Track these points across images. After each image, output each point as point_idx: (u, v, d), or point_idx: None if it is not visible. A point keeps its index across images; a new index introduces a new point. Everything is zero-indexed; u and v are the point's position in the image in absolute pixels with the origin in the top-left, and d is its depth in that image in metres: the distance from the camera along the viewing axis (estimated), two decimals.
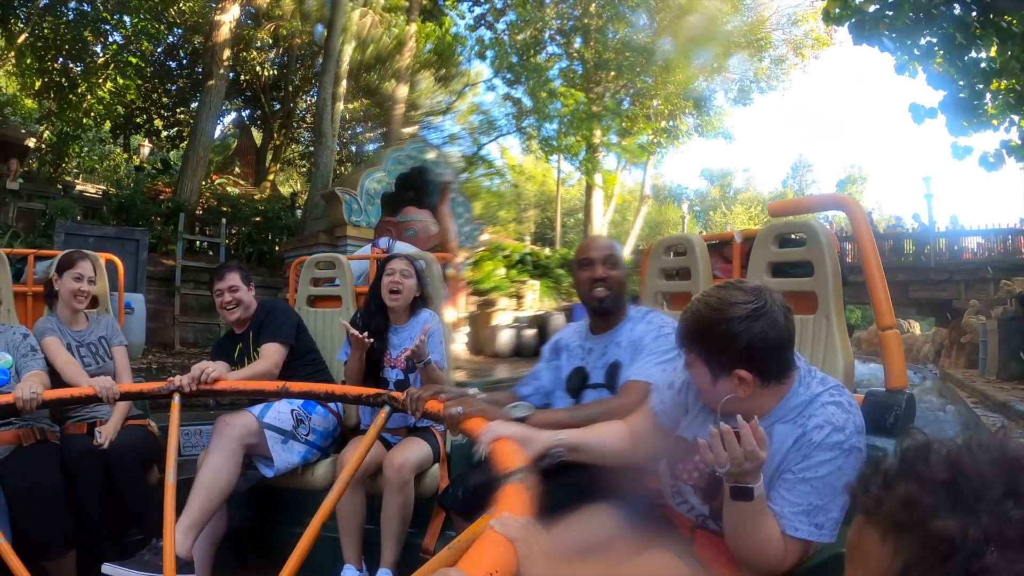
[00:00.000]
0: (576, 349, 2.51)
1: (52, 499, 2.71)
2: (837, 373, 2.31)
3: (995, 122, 10.22)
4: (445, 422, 1.91)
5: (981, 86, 9.72)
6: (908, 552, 0.65)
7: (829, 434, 1.56)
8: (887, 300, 2.42)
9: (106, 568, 2.39)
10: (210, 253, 14.66)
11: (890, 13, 9.29)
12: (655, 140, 23.30)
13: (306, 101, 24.31)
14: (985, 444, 0.69)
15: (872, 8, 9.62)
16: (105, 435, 3.01)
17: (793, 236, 2.69)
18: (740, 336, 1.55)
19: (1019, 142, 10.39)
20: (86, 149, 24.82)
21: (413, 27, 19.54)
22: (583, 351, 2.48)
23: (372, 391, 2.36)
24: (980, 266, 20.91)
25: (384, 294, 3.23)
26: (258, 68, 22.08)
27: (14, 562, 1.60)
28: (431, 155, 13.48)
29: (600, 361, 2.41)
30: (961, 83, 9.67)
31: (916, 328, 27.16)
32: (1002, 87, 9.86)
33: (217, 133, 21.84)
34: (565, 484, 2.13)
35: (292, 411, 3.12)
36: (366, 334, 3.00)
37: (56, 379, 3.05)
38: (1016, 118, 10.26)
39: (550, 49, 23.03)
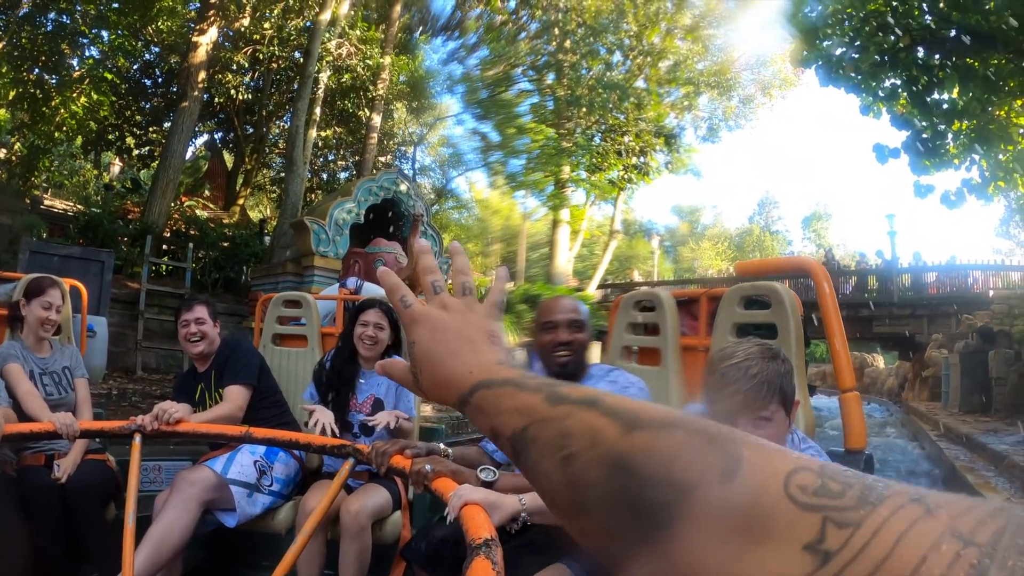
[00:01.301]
0: None
1: (8, 534, 2.68)
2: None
3: (956, 161, 10.54)
4: (412, 479, 1.91)
5: (943, 126, 10.01)
6: None
7: None
8: (849, 364, 2.48)
9: None
10: (176, 277, 14.47)
11: (855, 56, 9.57)
12: (625, 176, 23.52)
13: (279, 126, 24.21)
14: None
15: (839, 51, 9.89)
16: (64, 469, 2.98)
17: (758, 298, 2.75)
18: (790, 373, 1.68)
19: (979, 180, 10.71)
20: (56, 163, 24.44)
21: (388, 59, 19.63)
22: None
23: (336, 442, 2.36)
24: (943, 301, 21.38)
25: (358, 344, 3.22)
26: (233, 91, 21.94)
27: None
28: (403, 187, 13.47)
29: None
30: (923, 124, 9.96)
31: (880, 362, 27.53)
32: (963, 127, 10.17)
33: (189, 154, 21.65)
34: (523, 543, 2.14)
35: (255, 462, 3.10)
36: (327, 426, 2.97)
37: (16, 406, 3.01)
38: (977, 157, 10.58)
39: (521, 85, 23.25)
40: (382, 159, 22.06)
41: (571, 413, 0.50)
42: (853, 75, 9.72)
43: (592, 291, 22.58)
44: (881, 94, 9.98)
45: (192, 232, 16.50)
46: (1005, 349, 13.32)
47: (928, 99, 9.77)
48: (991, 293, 20.09)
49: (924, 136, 9.99)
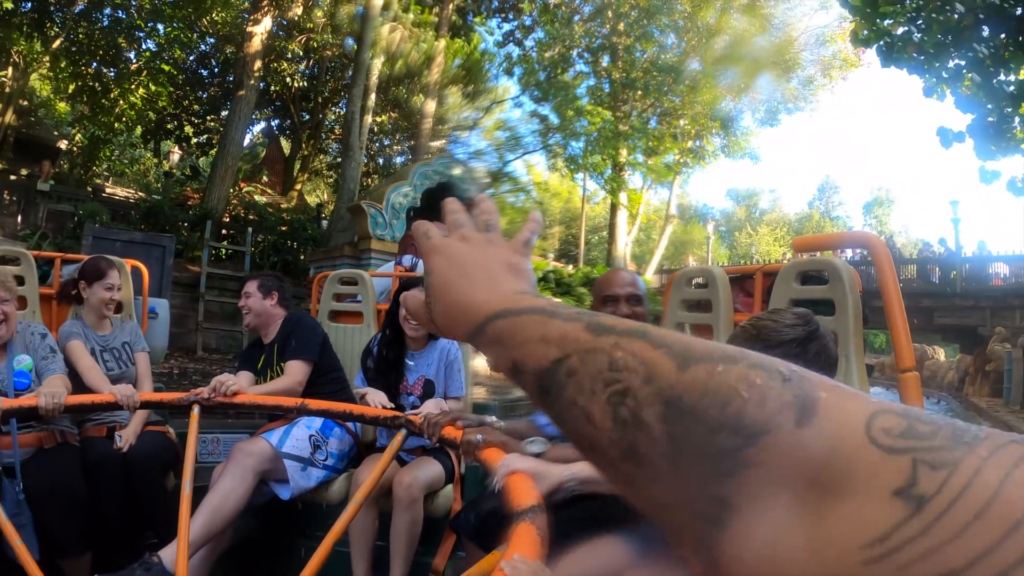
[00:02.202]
0: None
1: (73, 500, 2.78)
2: None
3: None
4: (462, 448, 1.91)
5: (1010, 109, 9.62)
6: None
7: None
8: (908, 343, 2.40)
9: None
10: (235, 261, 14.79)
11: (918, 34, 9.24)
12: (681, 160, 23.23)
13: (335, 112, 24.52)
14: None
15: (900, 30, 9.56)
16: (125, 439, 3.07)
17: (815, 274, 2.67)
18: (796, 359, 1.56)
19: None
20: (116, 153, 25.22)
21: (442, 43, 19.67)
22: None
23: (390, 413, 2.38)
24: (1007, 293, 20.61)
25: (404, 325, 3.24)
26: (288, 79, 22.32)
27: (29, 564, 1.63)
28: (458, 170, 13.53)
29: None
30: (990, 106, 9.57)
31: (941, 355, 26.75)
32: None
33: (246, 142, 22.09)
34: (574, 515, 2.14)
35: (310, 436, 3.15)
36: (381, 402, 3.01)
37: (78, 382, 3.11)
38: None
39: (578, 67, 23.07)
40: (436, 144, 22.12)
41: (619, 343, 0.44)
42: (915, 55, 9.38)
43: (649, 276, 22.44)
44: (945, 75, 9.61)
45: (251, 217, 16.83)
46: None
47: (994, 80, 9.39)
48: None
49: (990, 119, 9.61)
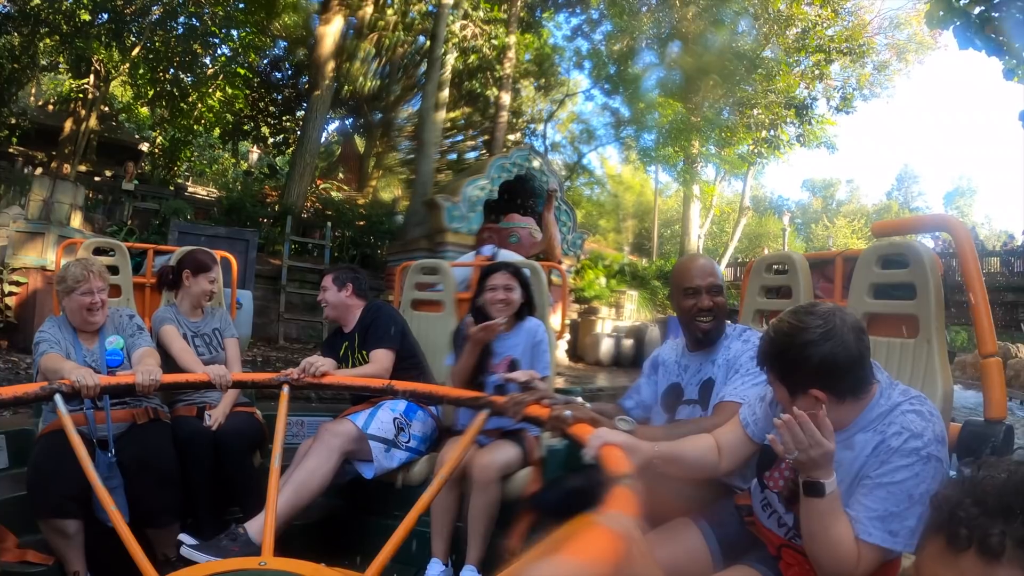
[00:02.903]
0: (672, 365, 2.54)
1: (165, 473, 2.93)
2: (936, 399, 2.25)
3: None
4: (550, 424, 1.92)
5: None
6: None
7: (907, 440, 1.59)
8: (990, 327, 2.34)
9: (184, 551, 2.50)
10: (315, 254, 15.16)
11: (996, 14, 8.85)
12: (755, 150, 22.79)
13: (407, 110, 24.83)
14: None
15: (977, 9, 9.18)
16: (215, 418, 3.23)
17: (896, 258, 2.63)
18: (811, 359, 1.62)
19: None
20: (196, 154, 26.14)
21: (513, 38, 19.74)
22: (679, 367, 2.51)
23: (473, 394, 2.43)
24: None
25: (489, 311, 3.27)
26: (361, 79, 22.69)
27: (123, 529, 1.72)
28: (536, 163, 13.60)
29: (695, 378, 2.43)
30: None
31: None
32: None
33: (322, 140, 22.58)
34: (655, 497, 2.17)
35: (394, 419, 3.26)
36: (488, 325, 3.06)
37: (170, 364, 3.28)
38: None
39: (647, 58, 22.85)
40: (511, 137, 22.20)
41: None
42: (994, 35, 8.98)
43: (723, 269, 22.11)
44: None
45: (328, 212, 17.22)
46: None
47: None
48: None
49: None
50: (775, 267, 3.11)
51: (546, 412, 1.95)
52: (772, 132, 22.75)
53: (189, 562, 2.30)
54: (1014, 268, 22.18)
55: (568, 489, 2.17)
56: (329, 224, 15.16)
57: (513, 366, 3.20)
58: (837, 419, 1.63)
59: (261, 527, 2.60)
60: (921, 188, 56.74)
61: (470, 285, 4.29)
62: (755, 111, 22.00)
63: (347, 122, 27.00)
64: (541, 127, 25.84)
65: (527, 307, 3.39)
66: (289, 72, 23.91)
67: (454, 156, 24.70)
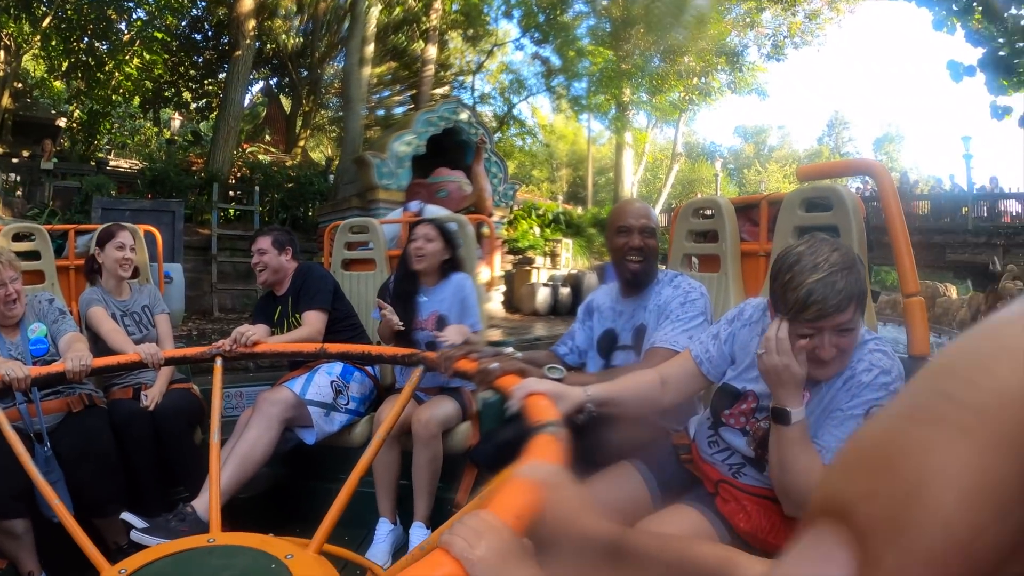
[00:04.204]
0: (607, 311, 2.57)
1: (105, 460, 2.84)
2: None
3: None
4: (478, 378, 1.93)
5: (1022, 44, 9.43)
6: None
7: (877, 376, 1.63)
8: (912, 267, 2.41)
9: (134, 536, 2.46)
10: (245, 221, 14.84)
11: None
12: (687, 97, 22.94)
13: (333, 67, 24.24)
14: None
15: None
16: (151, 397, 3.15)
17: (819, 201, 2.69)
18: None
19: None
20: (116, 125, 25.12)
21: None
22: (614, 313, 2.54)
23: (407, 351, 2.43)
24: (1019, 230, 20.47)
25: (411, 260, 3.30)
26: (284, 36, 22.05)
27: (70, 523, 1.69)
28: (463, 115, 13.46)
29: (629, 323, 2.46)
30: (1001, 41, 9.38)
31: (952, 292, 26.60)
32: None
33: (246, 102, 21.93)
34: (590, 445, 2.21)
35: (331, 382, 3.24)
36: (399, 324, 3.10)
37: (102, 347, 3.18)
38: None
39: (577, 7, 22.67)
40: (440, 91, 21.89)
41: None
42: None
43: (657, 214, 22.31)
44: (955, 7, 9.41)
45: (256, 177, 16.81)
46: None
47: (1005, 14, 9.18)
48: None
49: (1001, 54, 9.42)
50: (702, 212, 3.15)
51: (473, 366, 1.96)
52: (703, 79, 22.90)
53: (140, 547, 2.28)
54: (941, 211, 22.98)
55: (501, 441, 2.19)
56: (257, 188, 14.83)
57: (441, 321, 3.22)
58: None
59: (208, 504, 2.57)
60: (851, 134, 57.83)
61: (400, 242, 4.26)
62: (686, 59, 22.09)
63: (272, 82, 26.25)
64: (470, 79, 25.53)
65: (453, 262, 3.39)
66: (209, 33, 23.02)
67: (383, 112, 24.29)
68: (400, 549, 3.03)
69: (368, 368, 3.45)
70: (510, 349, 2.13)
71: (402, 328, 3.13)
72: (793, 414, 1.56)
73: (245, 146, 21.33)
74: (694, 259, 3.16)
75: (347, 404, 3.27)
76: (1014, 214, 22.07)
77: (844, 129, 57.09)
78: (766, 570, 0.98)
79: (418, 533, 2.96)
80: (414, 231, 3.35)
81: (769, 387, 1.63)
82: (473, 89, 25.50)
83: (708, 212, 3.09)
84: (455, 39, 23.87)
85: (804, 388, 1.63)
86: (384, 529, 3.05)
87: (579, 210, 19.97)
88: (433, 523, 2.94)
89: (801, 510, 1.59)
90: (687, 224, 3.10)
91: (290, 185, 16.53)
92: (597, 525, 1.00)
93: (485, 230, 8.23)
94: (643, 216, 2.44)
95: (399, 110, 23.56)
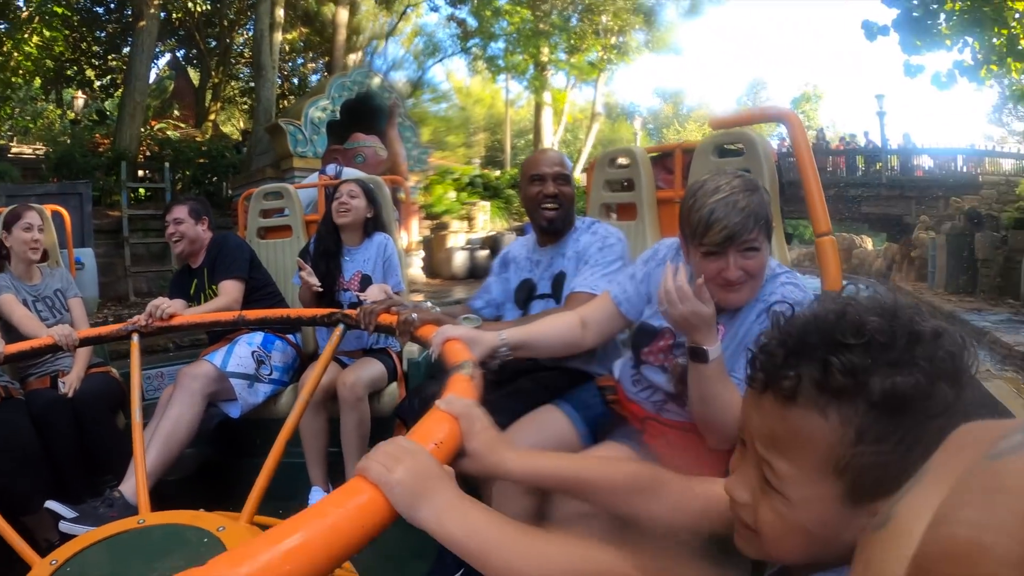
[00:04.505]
0: (524, 261, 2.57)
1: (26, 453, 2.74)
2: None
3: (948, 42, 10.32)
4: (398, 329, 1.92)
5: (935, 6, 9.72)
6: (859, 418, 0.65)
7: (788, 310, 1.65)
8: (823, 208, 2.49)
9: (63, 527, 2.39)
10: (156, 200, 14.33)
11: None
12: (605, 56, 22.97)
13: (243, 35, 23.47)
14: (863, 302, 0.72)
15: None
16: (69, 384, 3.03)
17: (732, 147, 2.74)
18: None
19: (971, 63, 10.49)
20: (17, 109, 23.86)
21: None
22: (530, 263, 2.54)
23: (325, 311, 2.39)
24: (930, 183, 21.61)
25: (335, 216, 3.25)
26: (190, 4, 21.21)
27: None
28: (376, 80, 13.29)
29: (547, 272, 2.46)
30: (915, 1, 9.65)
31: (868, 244, 27.58)
32: (956, 7, 9.89)
33: (152, 77, 21.06)
34: (512, 391, 2.22)
35: (253, 353, 3.16)
36: (317, 284, 3.04)
37: (15, 336, 3.02)
38: (969, 39, 10.35)
39: None
40: (353, 57, 21.43)
41: None
42: None
43: (578, 175, 22.48)
44: None
45: (166, 153, 16.21)
46: (992, 232, 13.49)
47: None
48: (981, 179, 20.36)
49: (915, 14, 9.70)
50: (618, 161, 3.18)
51: (395, 319, 1.94)
52: (621, 38, 22.95)
53: (71, 538, 2.21)
54: (857, 166, 24.06)
55: (427, 395, 2.18)
56: (167, 165, 14.31)
57: (365, 281, 3.18)
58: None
59: (136, 487, 2.50)
60: (769, 94, 58.88)
61: (316, 207, 4.18)
62: (603, 18, 22.10)
63: (179, 54, 25.26)
64: (383, 44, 25.08)
65: (376, 221, 3.36)
66: (112, 5, 21.94)
67: (297, 81, 23.69)
68: None
69: (290, 336, 3.38)
70: (429, 304, 2.12)
71: (320, 289, 3.08)
72: (710, 352, 1.57)
73: (153, 123, 20.52)
74: (613, 213, 3.19)
75: (270, 374, 3.21)
76: (926, 169, 23.41)
77: (763, 89, 58.16)
78: (691, 484, 1.01)
79: None
80: (338, 189, 3.30)
81: (683, 333, 1.64)
82: (386, 54, 25.10)
83: (624, 162, 3.12)
84: (367, 2, 23.32)
85: (718, 322, 1.64)
86: (317, 497, 3.01)
87: (496, 173, 19.88)
88: None
89: (724, 443, 1.63)
90: (604, 174, 3.13)
91: (201, 160, 16.00)
92: (514, 454, 1.01)
93: (401, 194, 8.17)
94: (556, 164, 2.45)
95: (314, 78, 23.02)
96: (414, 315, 1.88)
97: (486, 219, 16.58)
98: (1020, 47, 10.44)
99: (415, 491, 0.80)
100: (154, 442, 2.73)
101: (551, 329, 1.92)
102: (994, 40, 10.30)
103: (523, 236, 2.74)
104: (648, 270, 1.96)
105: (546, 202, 2.40)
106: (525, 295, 2.50)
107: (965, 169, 23.05)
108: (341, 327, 2.18)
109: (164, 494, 2.53)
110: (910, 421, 0.64)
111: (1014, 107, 27.85)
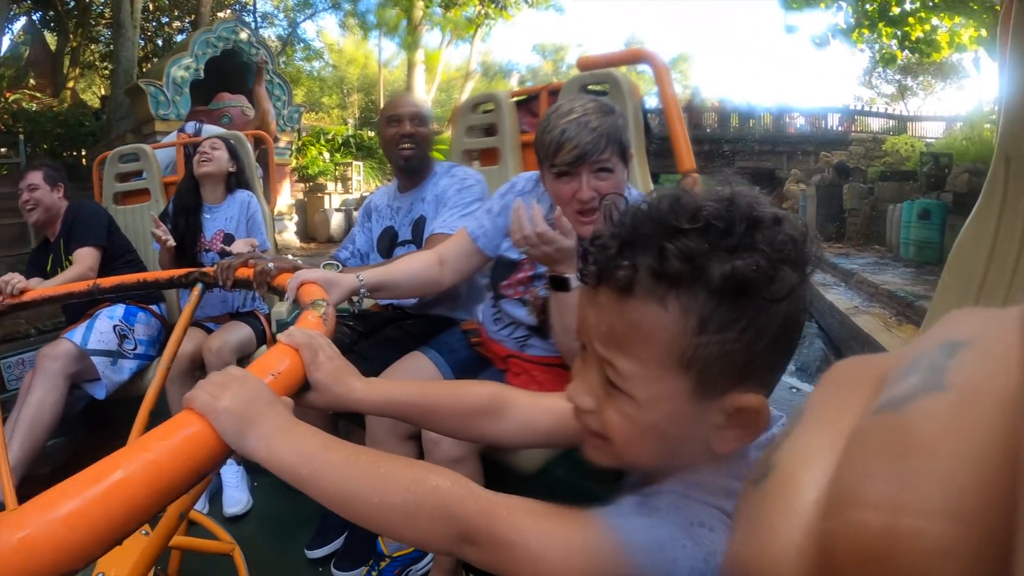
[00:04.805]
0: (385, 209, 2.54)
1: None
2: None
3: (823, 4, 10.76)
4: (255, 281, 1.85)
5: None
6: (700, 306, 0.62)
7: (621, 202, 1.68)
8: (687, 146, 2.54)
9: None
10: (11, 179, 13.32)
11: None
12: (482, 11, 22.72)
13: None
14: (699, 191, 0.69)
15: None
16: None
17: (597, 86, 2.76)
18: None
19: (845, 26, 10.96)
20: None
21: None
22: (391, 210, 2.51)
23: (182, 271, 2.28)
24: (801, 139, 23.09)
25: (196, 167, 3.12)
26: None
27: None
28: (243, 35, 12.69)
29: (407, 218, 2.44)
30: None
31: None
32: None
33: (6, 45, 19.50)
34: (381, 339, 2.20)
35: (115, 327, 2.99)
36: (170, 240, 2.89)
37: None
38: (844, 3, 10.82)
39: None
40: (221, 15, 20.44)
41: None
42: None
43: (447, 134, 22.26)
44: None
45: (21, 127, 15.12)
46: (860, 184, 14.50)
47: None
48: (851, 136, 21.92)
49: None
50: (481, 108, 3.16)
51: (251, 271, 1.88)
52: None
53: None
54: (731, 123, 25.15)
55: None
56: (22, 138, 13.34)
57: (228, 240, 3.07)
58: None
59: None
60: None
61: (176, 167, 3.98)
62: None
63: (35, 17, 23.46)
64: (251, 1, 24.04)
65: (238, 177, 3.24)
66: None
67: (161, 43, 22.43)
68: (217, 493, 2.88)
69: (153, 307, 3.23)
70: (289, 256, 2.06)
71: (174, 244, 2.92)
72: (571, 280, 1.55)
73: (8, 95, 19.09)
74: (475, 160, 3.17)
75: (134, 349, 3.05)
76: (798, 126, 25.01)
77: (640, 47, 58.94)
78: (540, 401, 1.01)
79: (229, 469, 2.86)
80: (199, 148, 3.17)
81: (546, 267, 1.63)
82: (255, 11, 24.06)
83: (488, 107, 3.11)
84: None
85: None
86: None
87: (370, 133, 19.49)
88: (241, 457, 2.83)
89: None
90: (466, 120, 3.10)
91: (60, 131, 15.01)
92: (361, 383, 0.98)
93: (279, 157, 7.83)
94: (413, 104, 2.42)
95: (180, 38, 21.85)
96: (270, 264, 1.81)
97: (360, 180, 16.29)
98: (891, 13, 10.99)
99: (243, 417, 0.74)
100: (16, 432, 2.57)
101: (409, 268, 1.89)
102: (867, 5, 10.80)
103: (386, 185, 2.70)
104: (505, 203, 1.95)
105: (403, 142, 2.37)
106: (388, 243, 2.47)
107: (839, 128, 24.51)
108: (200, 287, 2.09)
109: (35, 489, 2.40)
110: (753, 307, 0.62)
111: (883, 70, 29.38)
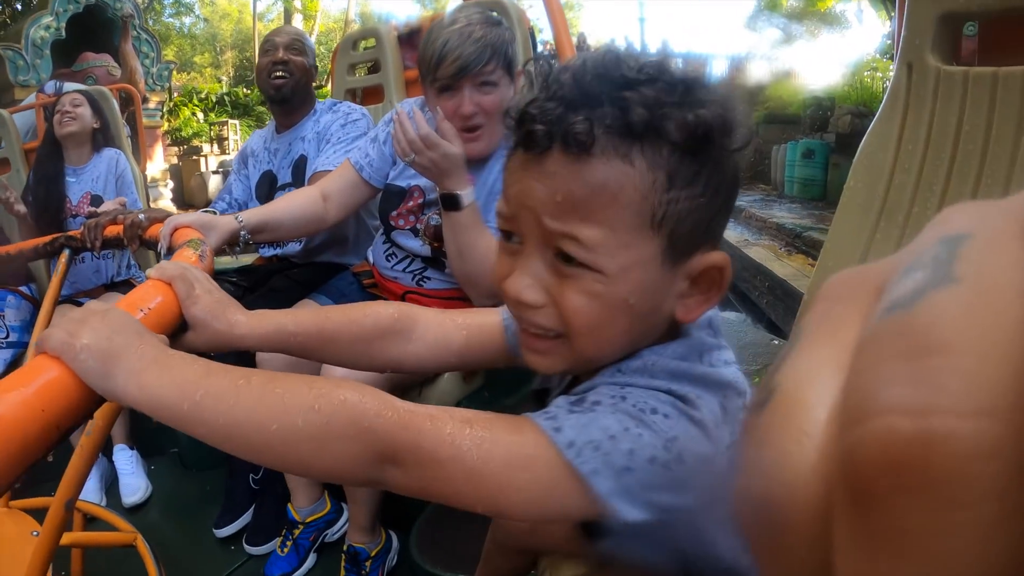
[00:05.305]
0: (262, 152, 2.38)
1: None
2: None
3: None
4: (125, 237, 1.68)
5: None
6: (666, 159, 0.59)
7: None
8: (570, 46, 2.52)
9: None
10: None
11: None
12: None
13: None
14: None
15: None
16: None
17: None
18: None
19: None
20: None
21: None
22: (269, 153, 2.36)
23: (45, 239, 2.07)
24: None
25: (56, 129, 2.84)
26: None
27: None
28: None
29: (286, 160, 2.30)
30: None
31: None
32: None
33: None
34: (266, 291, 2.09)
35: None
36: (18, 204, 2.71)
37: None
38: None
39: None
40: None
41: None
42: None
43: (330, 88, 21.75)
44: None
45: None
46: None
47: None
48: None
49: None
50: (362, 44, 3.02)
51: (120, 227, 1.72)
52: None
53: None
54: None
55: None
56: None
57: (96, 202, 2.83)
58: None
59: None
60: (531, 0, 59.59)
61: (37, 132, 3.65)
62: None
63: None
64: None
65: (104, 133, 2.98)
66: None
67: (20, 7, 20.80)
68: (113, 483, 2.62)
69: (23, 288, 2.95)
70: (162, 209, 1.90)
71: (23, 212, 2.70)
72: (463, 197, 1.49)
73: None
74: (358, 99, 3.04)
75: (7, 336, 2.78)
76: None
77: None
78: (448, 317, 0.91)
79: (122, 456, 2.62)
80: (59, 101, 2.88)
81: (434, 182, 1.56)
82: None
83: (369, 43, 2.98)
84: None
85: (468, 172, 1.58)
86: (123, 455, 2.66)
87: (246, 90, 18.70)
88: (134, 441, 2.63)
89: (489, 298, 1.57)
90: (348, 58, 2.96)
91: None
92: (246, 317, 0.86)
93: (148, 119, 7.31)
94: (288, 34, 2.30)
95: None
96: (141, 216, 1.66)
97: (236, 139, 15.65)
98: None
99: (108, 352, 0.60)
100: None
101: (290, 206, 1.78)
102: None
103: (262, 129, 2.54)
104: (391, 131, 1.84)
105: (275, 70, 2.22)
106: (267, 188, 2.32)
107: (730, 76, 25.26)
108: (67, 253, 1.90)
109: None
110: (713, 160, 0.59)
111: (769, 16, 30.49)
